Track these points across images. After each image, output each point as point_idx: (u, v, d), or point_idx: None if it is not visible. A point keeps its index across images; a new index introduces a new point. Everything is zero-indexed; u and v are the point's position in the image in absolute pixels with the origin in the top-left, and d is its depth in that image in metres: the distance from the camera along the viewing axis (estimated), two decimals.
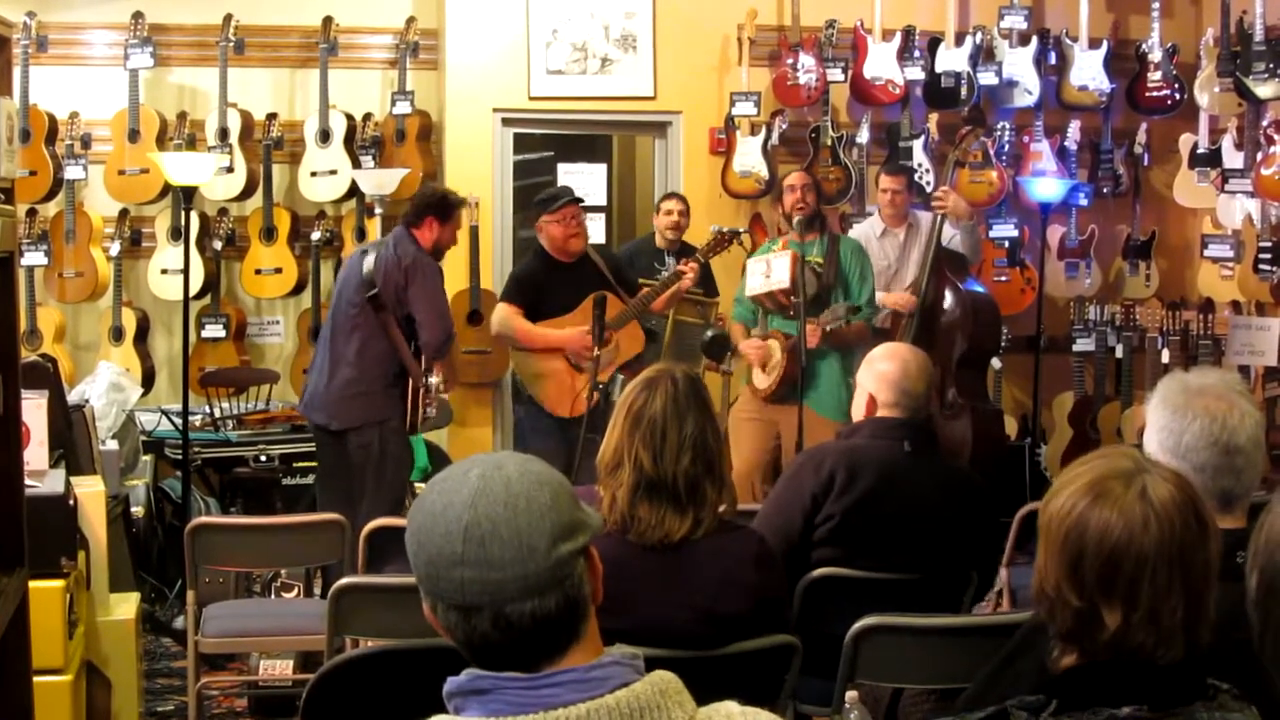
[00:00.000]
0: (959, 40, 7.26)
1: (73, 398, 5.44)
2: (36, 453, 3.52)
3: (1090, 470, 1.76)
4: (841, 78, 7.22)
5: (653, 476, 2.74)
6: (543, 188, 6.51)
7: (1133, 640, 1.69)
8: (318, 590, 5.43)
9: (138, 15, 6.82)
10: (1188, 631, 1.70)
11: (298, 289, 7.07)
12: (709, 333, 6.03)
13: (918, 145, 7.25)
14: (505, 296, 6.01)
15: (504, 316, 5.90)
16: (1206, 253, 7.17)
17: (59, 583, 3.40)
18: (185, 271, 6.23)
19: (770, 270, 5.58)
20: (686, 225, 6.66)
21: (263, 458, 6.49)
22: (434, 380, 5.55)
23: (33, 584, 2.91)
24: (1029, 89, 7.29)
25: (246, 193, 7.01)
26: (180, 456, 6.15)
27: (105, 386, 6.18)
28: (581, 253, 5.91)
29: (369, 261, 5.52)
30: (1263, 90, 6.53)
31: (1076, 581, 1.71)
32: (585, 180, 7.73)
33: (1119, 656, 1.70)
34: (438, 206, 5.58)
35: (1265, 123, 6.58)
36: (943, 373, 6.05)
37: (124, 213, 6.95)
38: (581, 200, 6.03)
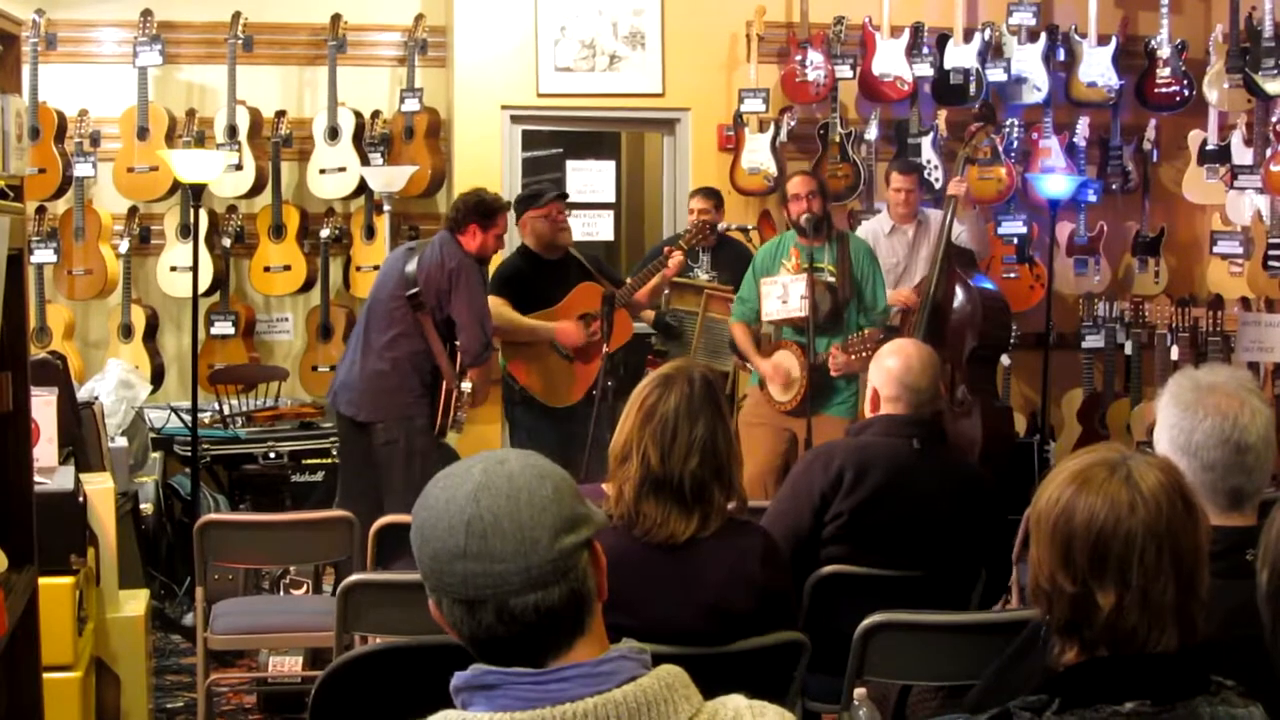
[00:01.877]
0: (968, 37, 7.24)
1: (82, 395, 5.45)
2: (46, 450, 3.52)
3: (1075, 464, 1.79)
4: (850, 74, 7.22)
5: (659, 474, 2.73)
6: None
7: (1127, 623, 1.70)
8: (327, 587, 5.44)
9: (146, 13, 6.83)
10: (1180, 615, 1.71)
11: (306, 286, 7.08)
12: None
13: (926, 142, 7.24)
14: (492, 292, 6.00)
15: (493, 308, 5.86)
16: (1216, 249, 7.17)
17: (68, 579, 3.40)
18: (194, 269, 6.23)
19: (787, 296, 5.58)
20: (717, 221, 6.52)
21: (271, 455, 6.50)
22: (467, 386, 5.53)
23: (42, 581, 2.92)
24: (1038, 85, 7.28)
25: (255, 190, 7.02)
26: (189, 453, 6.16)
27: (114, 384, 6.19)
28: (566, 248, 6.03)
29: (413, 263, 5.50)
30: (1272, 86, 6.51)
31: (1069, 568, 1.73)
32: (593, 177, 7.71)
33: (1117, 648, 1.71)
34: (480, 211, 5.53)
35: (1274, 119, 6.57)
36: (953, 369, 6.04)
37: (133, 210, 6.96)
38: (567, 196, 6.08)
